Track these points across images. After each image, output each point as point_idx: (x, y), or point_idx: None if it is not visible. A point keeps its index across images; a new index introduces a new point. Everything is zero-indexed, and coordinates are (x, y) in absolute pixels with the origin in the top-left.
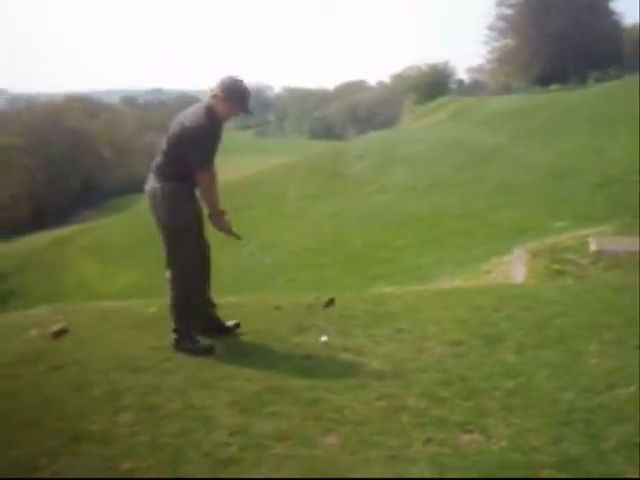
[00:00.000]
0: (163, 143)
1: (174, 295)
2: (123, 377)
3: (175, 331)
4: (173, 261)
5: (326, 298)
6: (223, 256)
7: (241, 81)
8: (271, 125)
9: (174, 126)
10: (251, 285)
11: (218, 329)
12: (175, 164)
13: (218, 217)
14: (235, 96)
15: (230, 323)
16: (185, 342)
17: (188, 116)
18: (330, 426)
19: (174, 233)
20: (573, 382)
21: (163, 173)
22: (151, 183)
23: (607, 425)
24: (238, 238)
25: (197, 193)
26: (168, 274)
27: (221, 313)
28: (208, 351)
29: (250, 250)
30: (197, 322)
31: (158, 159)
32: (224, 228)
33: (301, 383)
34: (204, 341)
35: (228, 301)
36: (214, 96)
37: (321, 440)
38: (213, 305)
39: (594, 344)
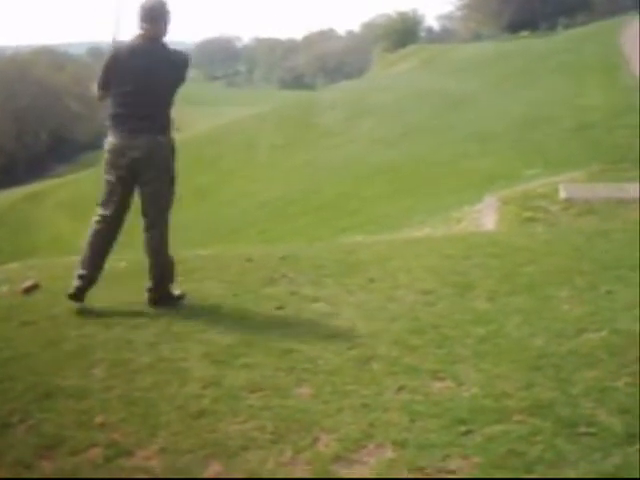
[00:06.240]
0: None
1: (166, 252)
2: (95, 332)
3: (165, 288)
4: (166, 216)
5: None
6: (194, 210)
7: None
8: (240, 76)
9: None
10: (222, 237)
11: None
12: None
13: None
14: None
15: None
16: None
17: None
18: (303, 376)
19: (173, 189)
20: (544, 328)
21: (161, 125)
22: (149, 136)
23: (577, 370)
24: None
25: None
26: (158, 232)
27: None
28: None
29: None
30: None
31: (150, 111)
32: None
33: (273, 334)
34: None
35: (199, 254)
36: None
37: (294, 390)
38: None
39: (565, 290)
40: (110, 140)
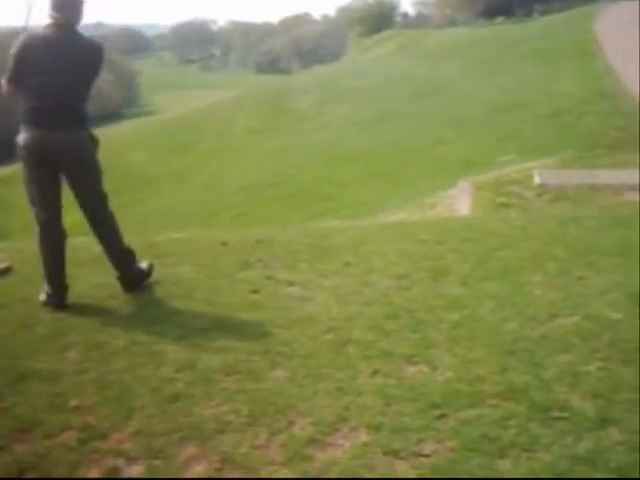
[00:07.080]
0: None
1: (121, 241)
2: (69, 315)
3: (133, 267)
4: (108, 209)
5: None
6: (170, 195)
7: None
8: (216, 59)
9: None
10: (199, 221)
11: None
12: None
13: None
14: None
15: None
16: (140, 272)
17: None
18: (278, 360)
19: (102, 183)
20: (517, 313)
21: (81, 119)
22: (71, 131)
23: (550, 354)
24: None
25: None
26: (106, 227)
27: (161, 251)
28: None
29: None
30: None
31: (68, 104)
32: None
33: (248, 317)
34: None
35: (172, 238)
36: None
37: (269, 374)
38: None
39: (538, 275)
40: (28, 136)
